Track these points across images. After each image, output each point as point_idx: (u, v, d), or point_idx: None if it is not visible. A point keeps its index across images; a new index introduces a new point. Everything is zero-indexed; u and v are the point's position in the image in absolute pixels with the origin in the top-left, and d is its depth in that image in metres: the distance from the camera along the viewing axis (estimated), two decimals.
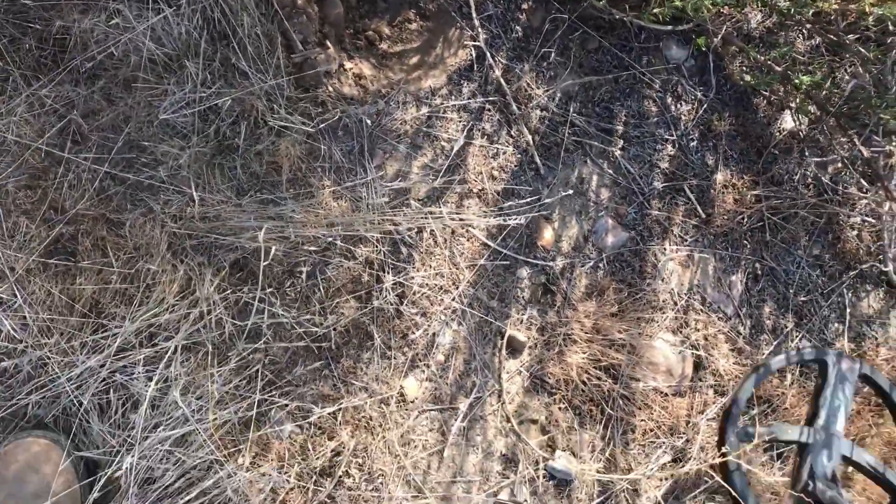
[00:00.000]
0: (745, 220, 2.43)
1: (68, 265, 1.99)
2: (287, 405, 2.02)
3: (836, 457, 2.00)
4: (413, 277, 2.19)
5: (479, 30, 2.43)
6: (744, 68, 2.60)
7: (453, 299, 2.22)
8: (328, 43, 2.27)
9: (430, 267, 2.24)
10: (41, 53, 2.09)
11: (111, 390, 1.92)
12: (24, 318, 1.93)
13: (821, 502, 1.97)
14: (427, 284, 2.20)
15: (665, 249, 2.40)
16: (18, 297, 1.93)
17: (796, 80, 2.34)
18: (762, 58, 2.44)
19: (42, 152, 2.04)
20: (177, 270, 2.00)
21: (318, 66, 2.17)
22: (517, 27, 2.51)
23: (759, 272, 2.43)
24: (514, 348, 2.21)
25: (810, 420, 2.11)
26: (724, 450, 1.97)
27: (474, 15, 2.44)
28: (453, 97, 2.39)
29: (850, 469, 2.20)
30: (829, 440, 2.04)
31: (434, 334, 2.18)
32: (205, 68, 2.05)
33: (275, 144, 2.10)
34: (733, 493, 1.95)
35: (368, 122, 2.22)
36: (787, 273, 2.46)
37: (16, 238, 1.98)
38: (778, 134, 2.56)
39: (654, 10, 2.16)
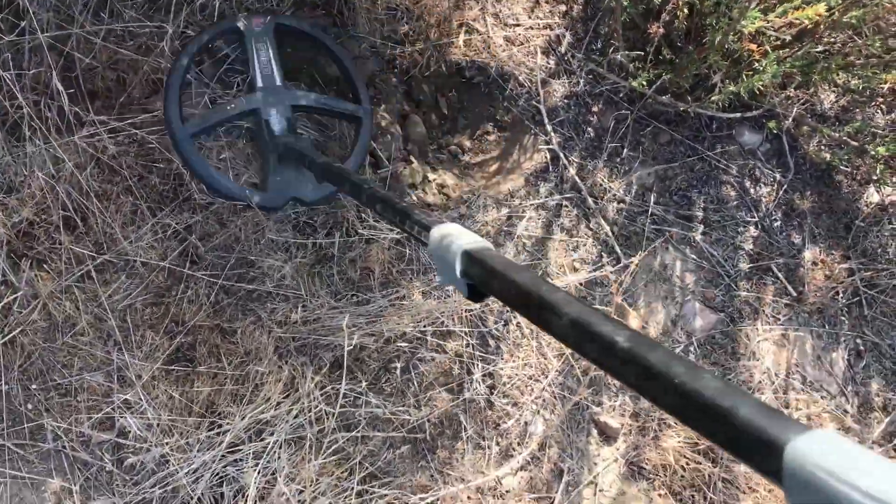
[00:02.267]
0: (840, 295, 2.60)
1: (187, 370, 2.42)
2: (386, 495, 2.30)
3: (286, 108, 2.40)
4: (502, 368, 2.49)
5: (553, 134, 2.84)
6: (821, 146, 2.87)
7: (543, 389, 2.49)
8: (412, 158, 2.73)
9: (519, 358, 2.54)
10: (164, 188, 2.65)
11: (224, 483, 2.28)
12: (149, 419, 2.36)
13: (290, 151, 2.32)
14: (516, 375, 2.49)
15: (757, 329, 2.59)
16: (144, 401, 2.36)
17: (873, 153, 2.58)
18: (836, 134, 2.71)
19: (165, 272, 2.54)
20: (282, 370, 2.39)
21: (403, 180, 2.62)
22: (588, 128, 2.90)
23: (862, 348, 2.57)
24: (608, 435, 2.43)
25: (251, 87, 2.44)
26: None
27: (547, 121, 2.87)
28: (531, 197, 2.77)
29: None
30: (275, 97, 2.40)
31: (526, 423, 2.44)
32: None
33: (366, 251, 2.52)
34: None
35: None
36: (893, 348, 2.58)
37: (143, 349, 2.44)
38: (865, 208, 2.76)
39: (714, 98, 2.51)
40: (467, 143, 2.91)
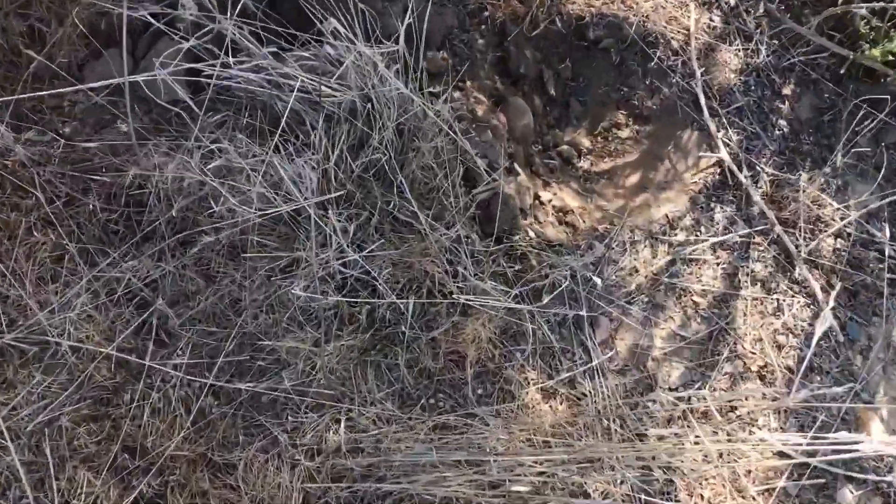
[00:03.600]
0: None
1: None
2: None
3: None
4: None
5: (729, 129, 1.95)
6: None
7: None
8: (517, 166, 1.81)
9: (702, 498, 1.64)
10: (109, 216, 1.70)
11: None
12: None
13: None
14: None
15: None
16: None
17: None
18: None
19: (112, 362, 1.59)
20: None
21: (510, 201, 1.70)
22: (779, 120, 2.00)
23: None
24: None
25: None
26: None
27: (718, 109, 1.97)
28: (703, 228, 1.87)
29: None
30: None
31: None
32: (351, 220, 1.60)
33: (458, 326, 1.60)
34: None
35: (597, 280, 1.70)
36: None
37: None
38: None
39: None
40: (586, 142, 2.00)
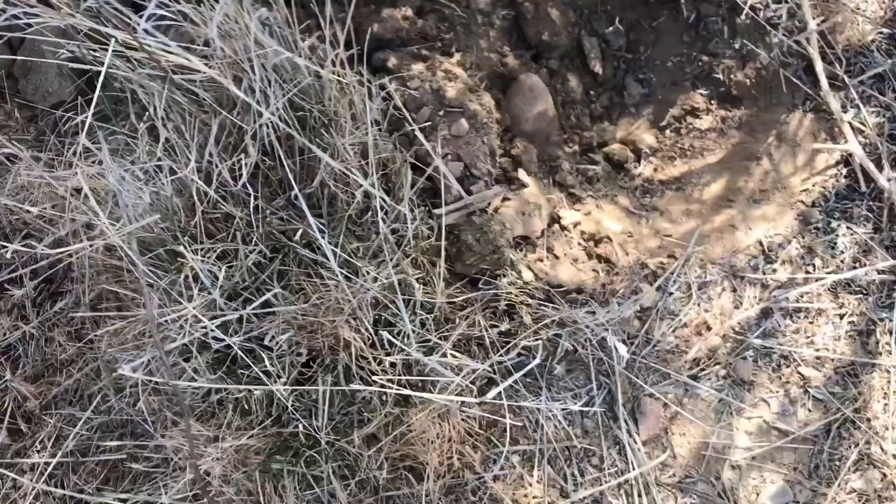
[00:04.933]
0: None
1: None
2: None
3: None
4: None
5: (862, 108, 1.36)
6: None
7: None
8: (522, 173, 1.31)
9: None
10: None
11: None
12: None
13: None
14: None
15: None
16: None
17: None
18: None
19: None
20: None
21: (488, 227, 1.19)
22: None
23: None
24: None
25: None
26: None
27: (844, 78, 1.39)
28: (818, 261, 1.29)
29: None
30: None
31: None
32: (227, 258, 1.12)
33: (401, 419, 1.12)
34: None
35: (622, 352, 1.17)
36: None
37: None
38: None
39: None
40: (648, 138, 1.47)
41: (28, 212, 1.21)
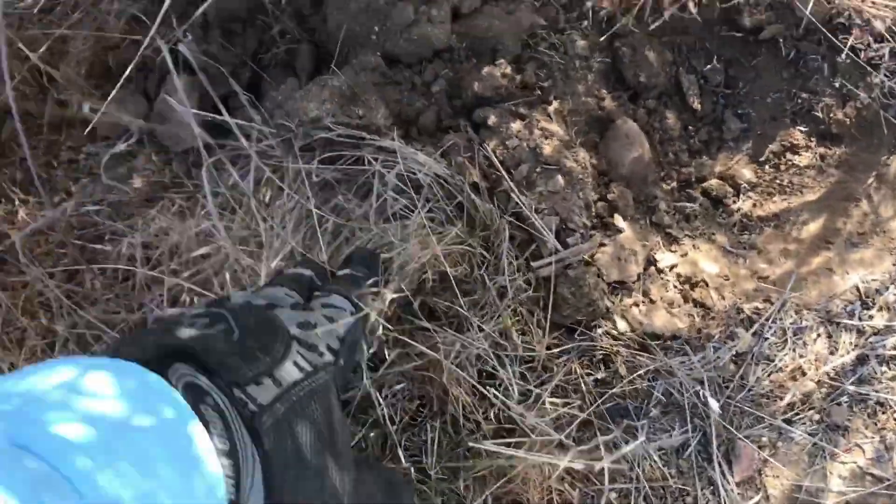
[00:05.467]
0: None
1: None
2: None
3: None
4: None
5: None
6: None
7: None
8: (618, 218, 1.38)
9: None
10: (107, 295, 1.52)
11: None
12: None
13: None
14: None
15: None
16: None
17: None
18: None
19: None
20: None
21: (583, 280, 1.26)
22: None
23: None
24: None
25: None
26: None
27: None
28: None
29: None
30: None
31: None
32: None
33: (506, 467, 1.21)
34: None
35: (714, 407, 1.24)
36: None
37: None
38: None
39: None
40: (747, 173, 1.51)
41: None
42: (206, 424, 0.59)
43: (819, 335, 1.31)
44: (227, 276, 1.29)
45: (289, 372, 0.73)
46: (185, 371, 0.65)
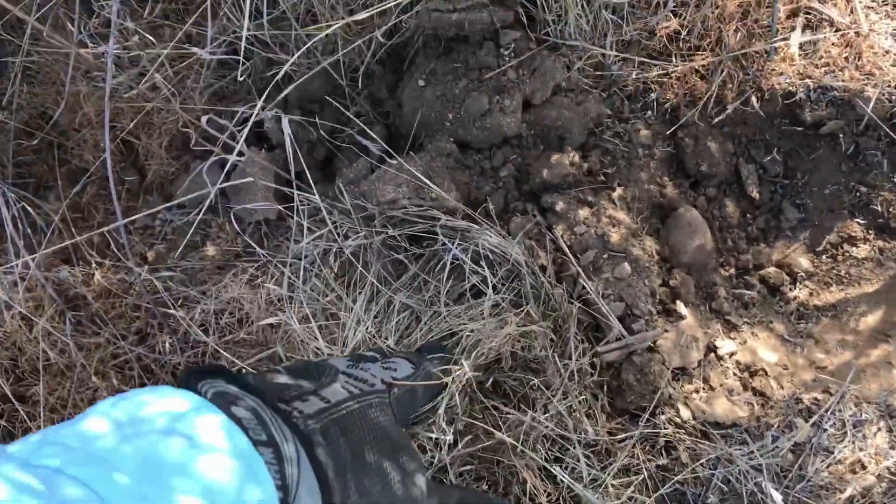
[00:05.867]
0: None
1: None
2: None
3: None
4: None
5: None
6: None
7: None
8: (680, 305, 1.42)
9: None
10: (176, 360, 1.58)
11: None
12: None
13: None
14: None
15: None
16: None
17: None
18: None
19: None
20: None
21: (648, 367, 1.29)
22: None
23: None
24: None
25: None
26: None
27: None
28: None
29: None
30: None
31: None
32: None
33: None
34: None
35: (777, 500, 1.26)
36: None
37: None
38: None
39: None
40: (804, 262, 1.55)
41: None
42: (237, 422, 0.59)
43: (879, 429, 1.33)
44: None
45: (336, 392, 0.75)
46: (214, 383, 0.65)
